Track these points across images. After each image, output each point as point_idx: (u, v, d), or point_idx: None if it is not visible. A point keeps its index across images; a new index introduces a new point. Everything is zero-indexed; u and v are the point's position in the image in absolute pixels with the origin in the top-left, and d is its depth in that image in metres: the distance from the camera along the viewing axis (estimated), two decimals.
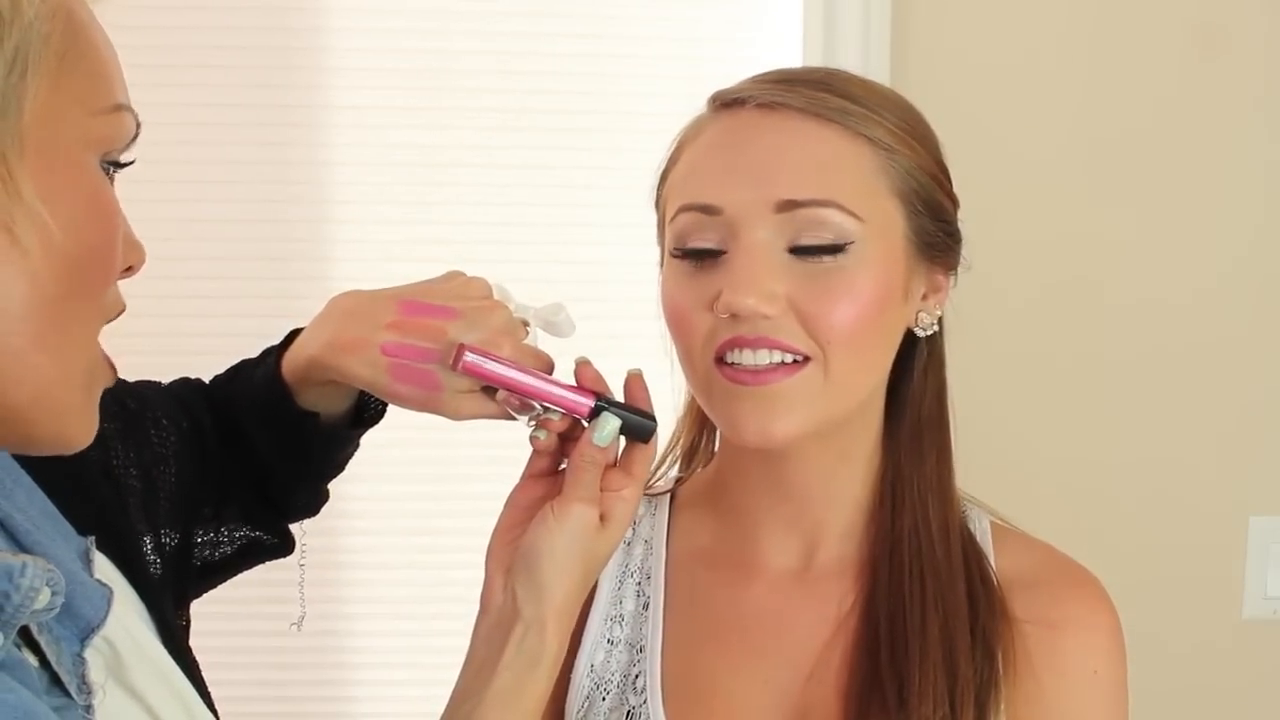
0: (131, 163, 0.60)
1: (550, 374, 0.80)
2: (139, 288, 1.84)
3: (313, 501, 0.95)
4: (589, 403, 0.78)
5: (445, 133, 1.61)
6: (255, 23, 1.59)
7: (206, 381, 0.94)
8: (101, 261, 0.56)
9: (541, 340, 0.85)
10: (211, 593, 0.96)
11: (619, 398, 0.80)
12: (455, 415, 0.80)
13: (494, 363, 0.77)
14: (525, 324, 0.83)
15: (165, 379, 0.98)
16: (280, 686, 1.68)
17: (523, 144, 1.61)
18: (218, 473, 0.89)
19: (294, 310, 0.91)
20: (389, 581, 1.68)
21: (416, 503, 1.67)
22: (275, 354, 0.88)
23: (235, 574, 0.93)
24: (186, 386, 0.93)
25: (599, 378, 0.80)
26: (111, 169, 0.58)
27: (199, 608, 0.98)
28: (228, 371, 0.94)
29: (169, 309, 1.60)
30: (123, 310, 0.61)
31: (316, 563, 1.66)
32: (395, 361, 0.78)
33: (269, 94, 1.60)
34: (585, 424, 0.78)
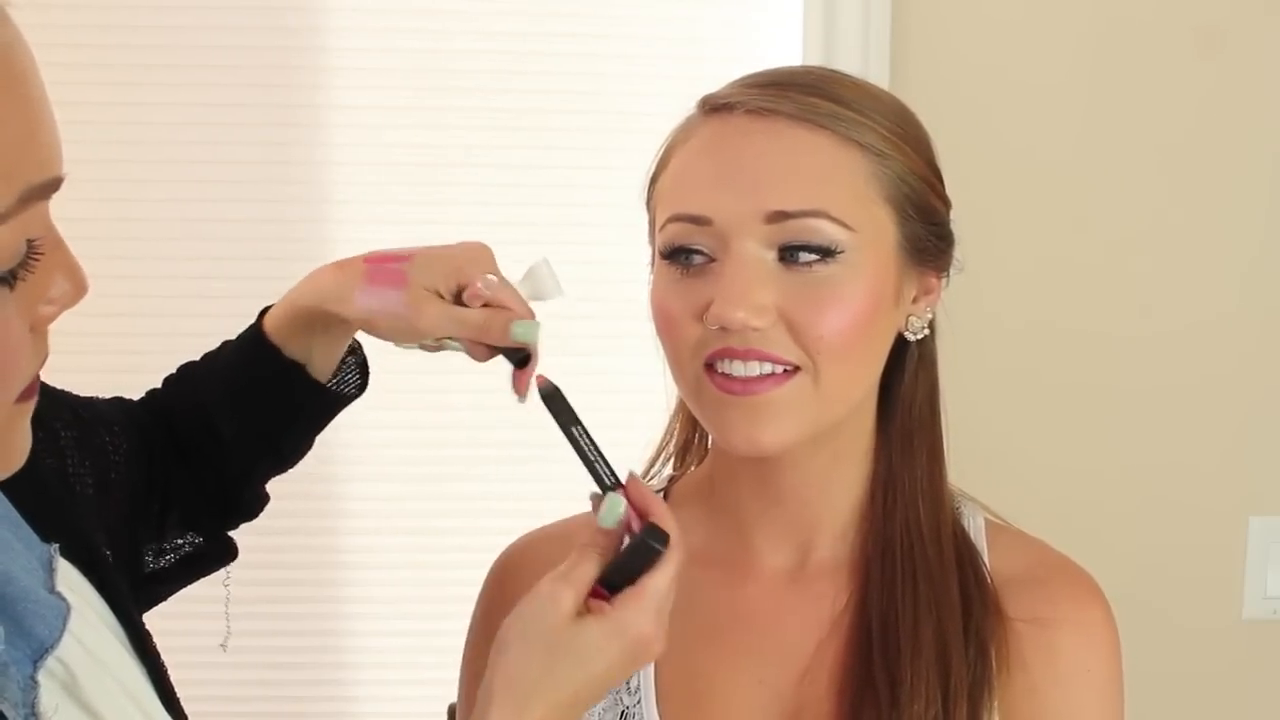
0: (63, 177, 0.56)
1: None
2: (139, 287, 1.84)
3: (258, 497, 0.96)
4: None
5: (445, 133, 1.61)
6: (255, 23, 1.59)
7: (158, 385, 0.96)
8: None
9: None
10: (209, 593, 0.96)
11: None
12: (419, 320, 0.81)
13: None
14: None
15: (165, 378, 0.98)
16: (280, 686, 1.68)
17: (523, 144, 1.61)
18: (164, 479, 0.90)
19: None
20: (389, 581, 1.67)
21: (416, 503, 1.67)
22: (257, 318, 0.91)
23: (179, 586, 0.94)
24: (125, 400, 0.94)
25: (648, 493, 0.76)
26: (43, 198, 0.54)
27: (198, 607, 0.98)
28: (187, 364, 0.96)
29: (169, 309, 1.60)
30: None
31: (316, 563, 1.68)
32: (371, 266, 0.83)
33: (269, 94, 1.60)
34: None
